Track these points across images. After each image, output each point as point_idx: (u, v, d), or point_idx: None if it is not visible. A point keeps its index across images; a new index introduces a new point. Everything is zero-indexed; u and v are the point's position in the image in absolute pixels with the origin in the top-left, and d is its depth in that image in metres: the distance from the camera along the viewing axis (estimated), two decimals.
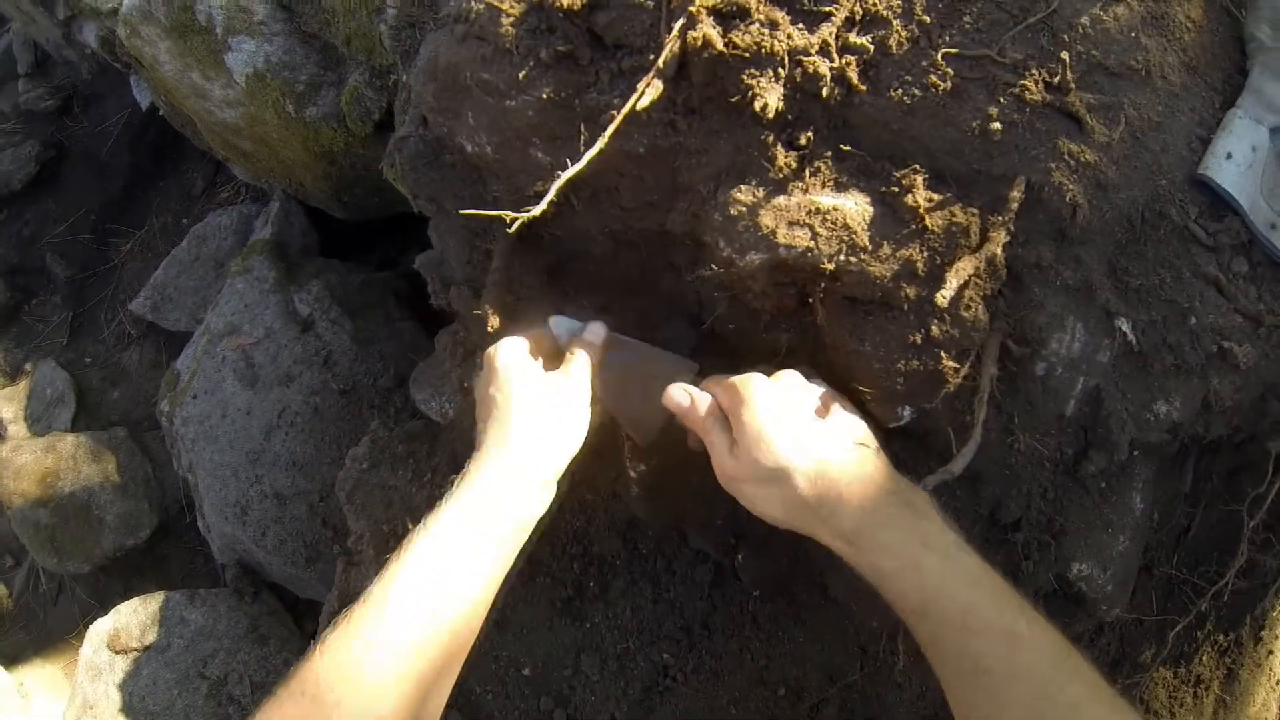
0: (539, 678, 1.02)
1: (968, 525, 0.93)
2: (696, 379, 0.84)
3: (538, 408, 0.77)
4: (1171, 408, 0.95)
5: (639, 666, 1.00)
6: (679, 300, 0.91)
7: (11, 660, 1.75)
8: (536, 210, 0.73)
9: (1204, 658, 1.31)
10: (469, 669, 1.11)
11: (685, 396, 0.80)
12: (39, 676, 1.74)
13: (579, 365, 0.82)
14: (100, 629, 1.58)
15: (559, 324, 0.87)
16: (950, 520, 0.75)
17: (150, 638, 1.54)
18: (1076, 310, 0.89)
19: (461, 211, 0.82)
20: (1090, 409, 0.93)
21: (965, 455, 0.78)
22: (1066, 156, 0.85)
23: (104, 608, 1.65)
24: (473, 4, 0.85)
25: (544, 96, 0.81)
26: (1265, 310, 0.91)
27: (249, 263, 1.70)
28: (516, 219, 0.73)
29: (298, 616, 1.70)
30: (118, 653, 1.55)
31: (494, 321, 0.84)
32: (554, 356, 0.86)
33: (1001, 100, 0.83)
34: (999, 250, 0.80)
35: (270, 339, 1.65)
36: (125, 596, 1.66)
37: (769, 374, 0.79)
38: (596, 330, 0.86)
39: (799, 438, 0.72)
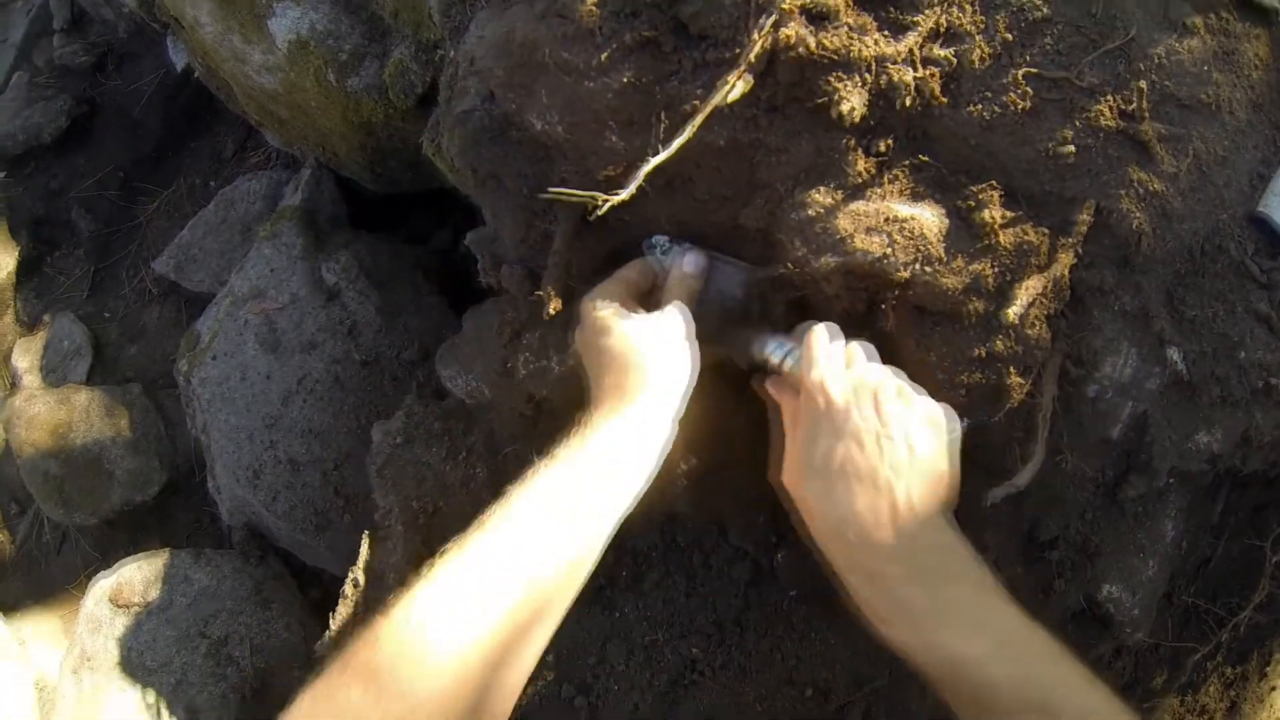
0: (562, 664, 1.02)
1: (1005, 540, 0.94)
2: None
3: (648, 352, 0.75)
4: (1213, 439, 0.97)
5: (666, 659, 1.00)
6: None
7: (10, 608, 1.74)
8: (625, 194, 0.73)
9: (1211, 688, 1.33)
10: None
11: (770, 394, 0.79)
12: (37, 626, 1.73)
13: (678, 307, 0.80)
14: (103, 583, 1.57)
15: (654, 246, 0.87)
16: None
17: (153, 595, 1.53)
18: (1132, 336, 0.90)
19: (550, 191, 0.81)
20: (1136, 434, 0.94)
21: (1030, 469, 0.79)
22: (1135, 184, 0.86)
23: (107, 561, 1.64)
24: None
25: (625, 80, 0.81)
26: None
27: (277, 228, 1.69)
28: (607, 201, 0.73)
29: (302, 583, 1.69)
30: (120, 607, 1.54)
31: (555, 304, 0.84)
32: (651, 290, 0.84)
33: (1077, 123, 0.84)
34: (1066, 271, 0.81)
35: (295, 305, 1.64)
36: (129, 551, 1.64)
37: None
38: (694, 262, 0.84)
39: (894, 463, 0.67)
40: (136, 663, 1.50)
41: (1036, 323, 0.80)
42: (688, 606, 1.00)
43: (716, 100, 0.73)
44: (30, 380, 1.81)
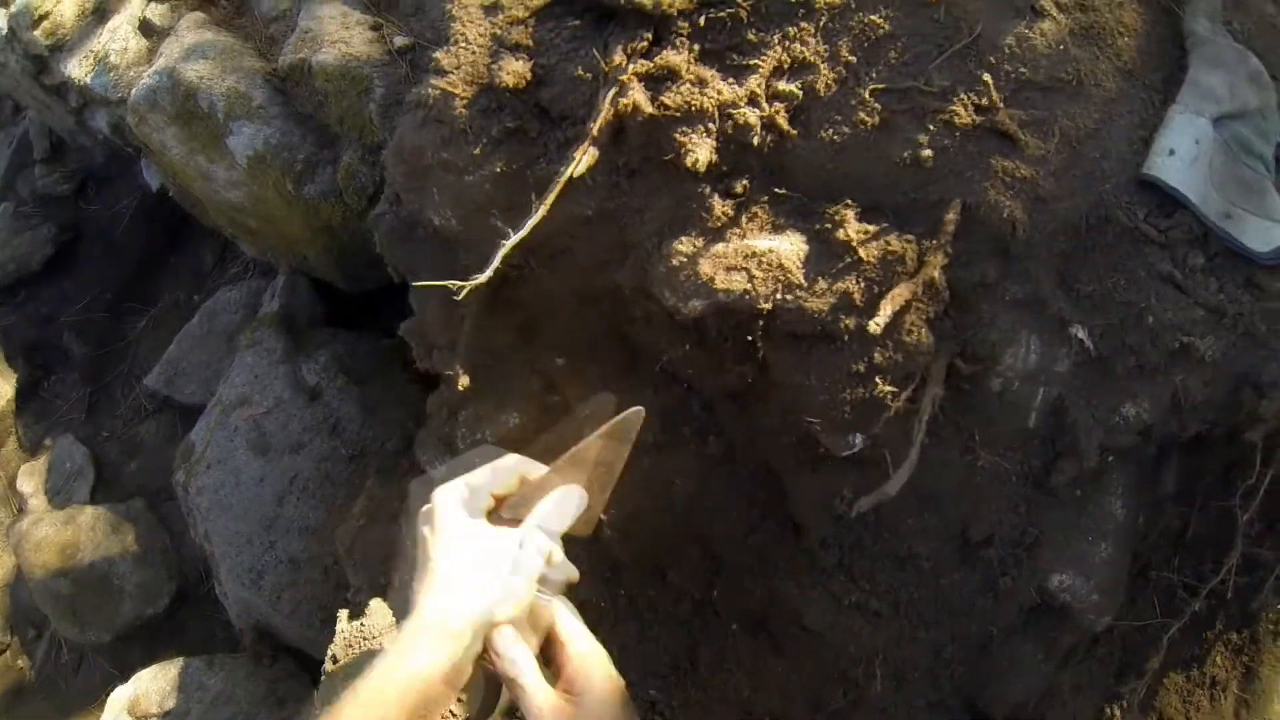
0: None
1: (937, 547, 0.92)
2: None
3: (460, 561, 0.62)
4: (1140, 409, 0.94)
5: None
6: (644, 349, 0.93)
7: None
8: (482, 279, 0.75)
9: (1217, 658, 1.26)
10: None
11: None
12: None
13: (534, 545, 0.65)
14: (120, 696, 1.60)
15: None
16: None
17: (170, 704, 1.55)
18: (1029, 323, 0.88)
19: (413, 284, 0.84)
20: (1054, 419, 0.91)
21: (901, 474, 0.78)
22: (1001, 174, 0.85)
23: (125, 676, 1.62)
24: (429, 90, 0.89)
25: (498, 170, 0.84)
26: (1227, 300, 0.89)
27: (257, 335, 1.73)
28: (464, 288, 0.75)
29: (315, 678, 1.70)
30: (138, 719, 1.57)
31: (464, 381, 0.87)
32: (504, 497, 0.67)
33: (931, 128, 0.83)
34: (936, 273, 0.80)
35: (280, 408, 1.68)
36: (146, 665, 1.66)
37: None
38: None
39: None
40: None
41: (914, 328, 0.80)
42: (641, 651, 1.00)
43: (563, 179, 0.76)
44: (36, 503, 1.87)
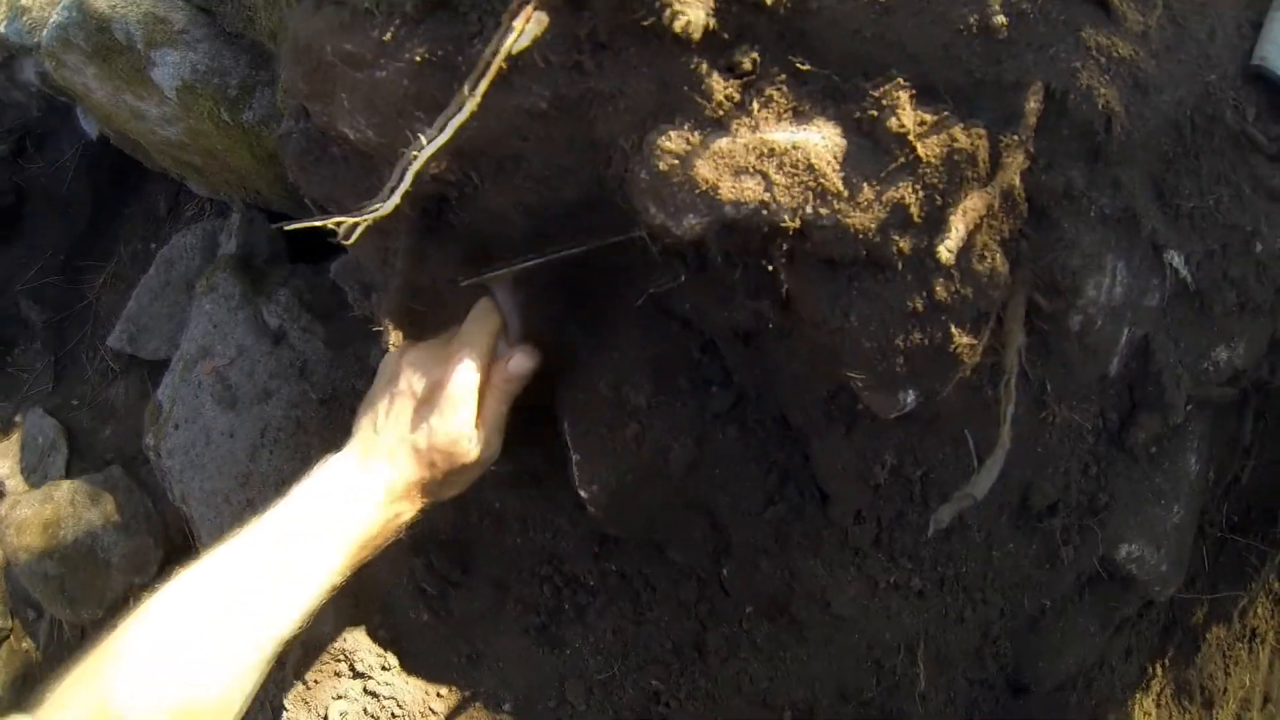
0: (522, 712, 0.84)
1: (991, 517, 0.72)
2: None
3: (398, 415, 0.64)
4: (1234, 353, 0.72)
5: (627, 694, 0.82)
6: (623, 279, 0.69)
7: None
8: (384, 210, 0.52)
9: (1259, 609, 1.10)
10: (451, 712, 0.95)
11: None
12: None
13: (490, 404, 0.66)
14: None
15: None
16: None
17: None
18: (1117, 246, 0.65)
19: (283, 228, 0.61)
20: (1138, 364, 0.69)
21: (990, 469, 0.57)
22: (1094, 51, 0.60)
23: None
24: None
25: (417, 60, 0.59)
26: None
27: (214, 280, 1.50)
28: (353, 223, 0.51)
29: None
30: None
31: (395, 337, 0.64)
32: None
33: None
34: (1016, 179, 0.56)
35: (243, 356, 1.46)
36: None
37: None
38: (520, 365, 0.67)
39: None
40: None
41: (987, 253, 0.57)
42: (640, 635, 0.81)
43: (499, 57, 0.50)
44: (14, 485, 1.68)
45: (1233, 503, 1.00)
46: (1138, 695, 0.99)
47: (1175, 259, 0.66)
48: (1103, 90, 0.59)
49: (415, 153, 0.52)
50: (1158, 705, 1.02)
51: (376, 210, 0.51)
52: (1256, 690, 1.11)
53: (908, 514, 0.69)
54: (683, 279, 0.63)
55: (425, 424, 0.63)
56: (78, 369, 1.75)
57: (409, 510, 0.65)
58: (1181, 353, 0.70)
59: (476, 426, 0.64)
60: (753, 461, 0.72)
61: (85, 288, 1.77)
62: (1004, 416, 0.55)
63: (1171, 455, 0.76)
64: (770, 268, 0.58)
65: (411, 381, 0.65)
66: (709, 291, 0.64)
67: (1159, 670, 1.00)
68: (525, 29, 0.50)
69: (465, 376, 0.63)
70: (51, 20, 1.28)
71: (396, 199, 0.51)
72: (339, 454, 0.67)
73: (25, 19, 1.46)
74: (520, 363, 0.66)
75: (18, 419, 1.71)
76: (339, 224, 0.53)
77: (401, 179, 0.51)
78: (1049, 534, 0.73)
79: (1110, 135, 0.60)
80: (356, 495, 0.63)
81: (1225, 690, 1.07)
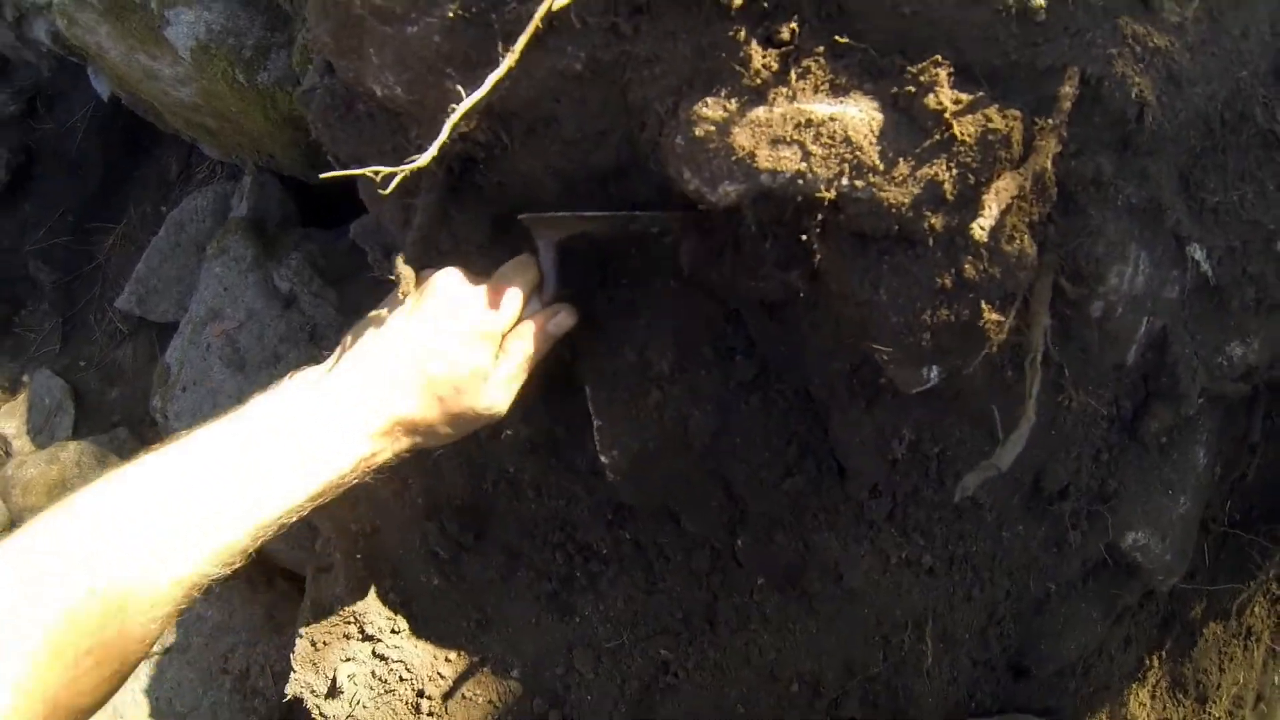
0: (529, 678, 0.85)
1: (1004, 496, 0.73)
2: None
3: (414, 337, 0.57)
4: (1249, 349, 0.73)
5: (636, 663, 0.83)
6: (653, 247, 0.70)
7: None
8: (421, 161, 0.53)
9: (1255, 609, 1.12)
10: (459, 677, 0.96)
11: None
12: None
13: (518, 353, 0.61)
14: None
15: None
16: None
17: (170, 638, 1.43)
18: (1141, 236, 0.66)
19: (321, 176, 0.61)
20: (1154, 355, 0.71)
21: (1015, 442, 0.58)
22: (1131, 40, 0.61)
23: None
24: None
25: (450, 15, 0.59)
26: None
27: (225, 243, 1.51)
28: (390, 173, 0.52)
29: None
30: None
31: (406, 286, 0.64)
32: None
33: None
34: (1049, 163, 0.57)
35: (253, 320, 1.47)
36: None
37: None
38: (558, 324, 0.64)
39: None
40: (167, 710, 1.41)
41: (1016, 234, 0.58)
42: (650, 604, 0.82)
43: (540, 13, 0.51)
44: (20, 445, 1.69)
45: (1237, 499, 1.02)
46: (1134, 686, 1.01)
47: (1197, 252, 0.68)
48: (1137, 79, 0.60)
49: (452, 107, 0.52)
50: (1153, 697, 1.04)
51: (414, 161, 0.52)
52: (1250, 688, 1.12)
53: (923, 490, 0.71)
54: (712, 249, 0.64)
55: (447, 351, 0.57)
56: (86, 330, 1.76)
57: (387, 450, 0.57)
58: (1198, 346, 0.71)
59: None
60: (773, 433, 0.73)
61: (94, 249, 1.77)
62: (1029, 392, 0.56)
63: (1181, 447, 0.78)
64: (804, 238, 0.58)
65: (435, 305, 0.58)
66: (739, 262, 0.64)
67: (1155, 662, 1.02)
68: None
69: (505, 313, 0.59)
70: None
71: (434, 150, 0.52)
72: (326, 371, 0.59)
73: None
74: (563, 319, 0.63)
75: (25, 379, 1.71)
76: (376, 173, 0.53)
77: (442, 132, 0.52)
78: (1058, 517, 0.75)
79: (1142, 125, 0.61)
80: (340, 427, 0.54)
81: (1219, 686, 1.08)
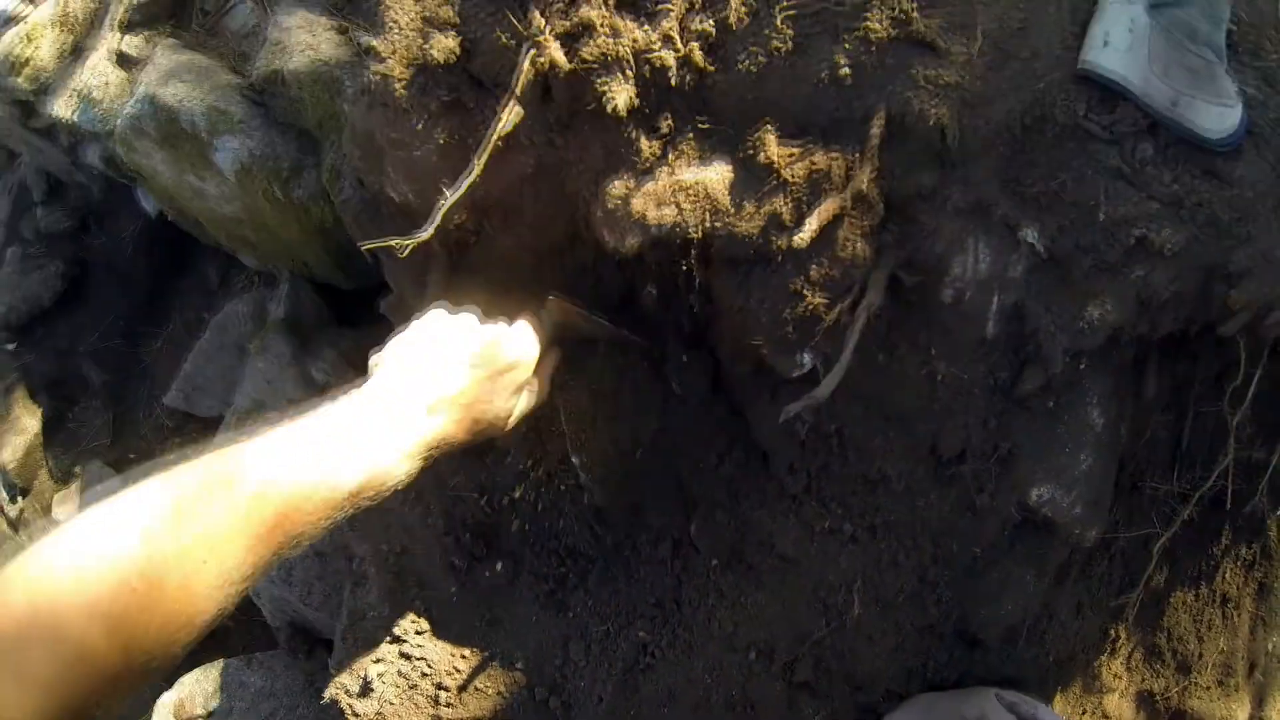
0: (532, 669, 0.98)
1: (910, 467, 0.85)
2: None
3: (456, 372, 0.69)
4: (1104, 309, 0.86)
5: (619, 647, 0.96)
6: (602, 294, 0.89)
7: None
8: (425, 234, 0.74)
9: (1227, 574, 1.14)
10: (472, 671, 1.10)
11: None
12: None
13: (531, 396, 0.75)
14: (166, 700, 1.58)
15: None
16: None
17: (214, 704, 1.53)
18: (976, 229, 0.82)
19: (361, 244, 0.82)
20: (1014, 326, 0.84)
21: (832, 378, 0.73)
22: (924, 83, 0.79)
23: (170, 683, 1.59)
24: (370, 76, 0.88)
25: (441, 141, 0.84)
26: (1183, 191, 0.81)
27: (266, 341, 1.73)
28: (408, 245, 0.73)
29: None
30: None
31: None
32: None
33: (847, 45, 0.79)
34: (864, 184, 0.75)
35: (293, 408, 1.68)
36: (189, 670, 1.63)
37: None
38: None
39: None
40: None
41: (849, 242, 0.74)
42: (630, 594, 0.96)
43: (492, 136, 0.73)
44: None
45: (1180, 467, 1.08)
46: (1104, 658, 1.04)
47: (1029, 235, 0.82)
48: (934, 110, 0.78)
49: (443, 200, 0.74)
50: (1128, 668, 1.07)
51: (420, 234, 0.74)
52: (1238, 656, 1.13)
53: (831, 465, 0.84)
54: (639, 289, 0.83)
55: (491, 387, 0.67)
56: (134, 425, 1.96)
57: (415, 467, 0.65)
58: (1053, 313, 0.84)
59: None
60: (706, 429, 0.89)
61: (142, 352, 2.01)
62: (847, 345, 0.71)
63: (1070, 408, 0.89)
64: (688, 268, 0.76)
65: (470, 341, 0.68)
66: (658, 297, 0.83)
67: (1123, 633, 1.05)
68: (508, 118, 0.73)
69: (532, 354, 0.71)
70: (125, 110, 1.52)
71: (432, 228, 0.74)
72: (379, 388, 0.70)
73: (97, 110, 1.66)
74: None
75: (77, 470, 1.92)
76: (400, 244, 0.74)
77: (435, 217, 0.74)
78: (963, 481, 0.87)
79: (947, 143, 0.78)
80: (387, 444, 0.63)
81: (1201, 656, 1.10)
